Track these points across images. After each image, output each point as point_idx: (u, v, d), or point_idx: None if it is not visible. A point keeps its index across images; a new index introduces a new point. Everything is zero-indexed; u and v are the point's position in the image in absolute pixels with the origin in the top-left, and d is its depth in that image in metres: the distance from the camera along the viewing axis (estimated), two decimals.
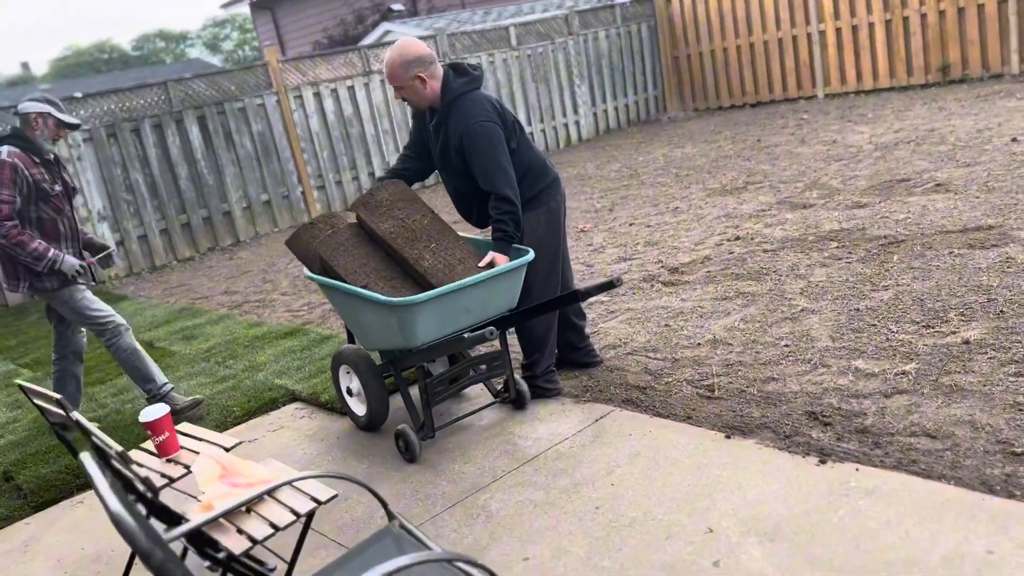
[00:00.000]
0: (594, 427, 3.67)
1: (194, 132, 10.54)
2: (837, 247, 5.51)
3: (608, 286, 3.42)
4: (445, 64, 3.91)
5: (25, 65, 61.89)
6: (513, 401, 4.01)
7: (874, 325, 4.14)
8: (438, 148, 3.94)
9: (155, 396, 4.69)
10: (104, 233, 9.94)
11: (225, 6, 32.43)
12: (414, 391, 4.34)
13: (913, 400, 3.32)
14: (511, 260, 3.71)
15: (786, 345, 4.12)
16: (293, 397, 4.83)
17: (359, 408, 4.14)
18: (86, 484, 4.12)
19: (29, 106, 4.30)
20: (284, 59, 11.53)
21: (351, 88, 11.76)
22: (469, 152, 3.79)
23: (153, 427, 3.02)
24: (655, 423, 3.60)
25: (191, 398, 4.73)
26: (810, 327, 4.28)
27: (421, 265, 3.67)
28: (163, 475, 2.92)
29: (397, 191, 3.98)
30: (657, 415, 3.67)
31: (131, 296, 8.74)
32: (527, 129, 13.62)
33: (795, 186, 7.57)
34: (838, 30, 12.87)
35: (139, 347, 4.70)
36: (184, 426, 3.32)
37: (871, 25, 12.53)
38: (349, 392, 4.16)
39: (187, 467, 2.92)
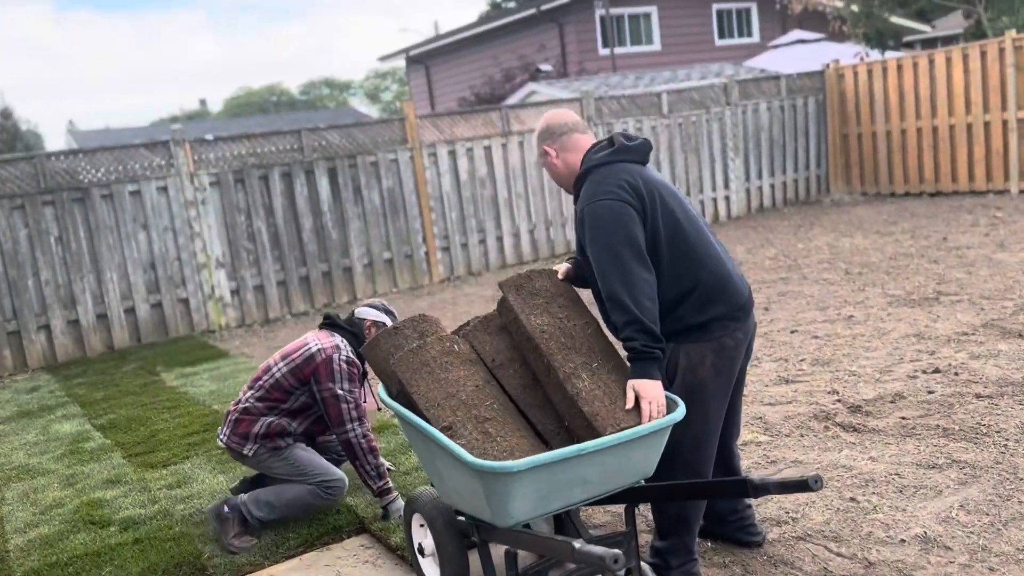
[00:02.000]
0: None
1: (323, 183, 10.10)
2: None
3: (801, 487, 2.32)
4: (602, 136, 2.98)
5: (203, 102, 66.63)
6: None
7: None
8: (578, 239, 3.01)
9: None
10: (220, 280, 9.56)
11: (383, 59, 33.27)
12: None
13: None
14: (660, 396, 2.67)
15: None
16: (361, 528, 3.92)
17: (432, 573, 3.18)
18: None
19: (367, 312, 4.06)
20: (422, 115, 11.03)
21: (487, 148, 11.10)
22: (585, 238, 2.84)
23: None
24: None
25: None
26: None
27: (573, 385, 2.70)
28: None
29: (560, 284, 3.07)
30: None
31: (233, 353, 8.20)
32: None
33: (1003, 305, 6.16)
34: None
35: None
36: None
37: None
38: (421, 551, 3.20)
39: None
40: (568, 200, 11.65)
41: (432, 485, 3.36)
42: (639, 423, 2.60)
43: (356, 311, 4.12)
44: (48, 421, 6.43)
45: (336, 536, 3.86)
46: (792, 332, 6.24)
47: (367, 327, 4.02)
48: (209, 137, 9.66)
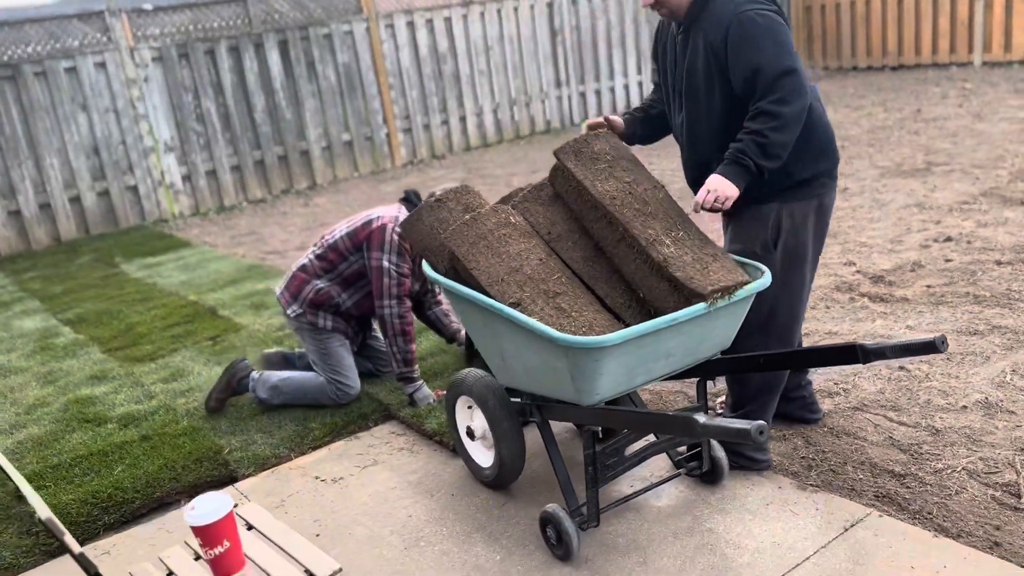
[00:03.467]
0: (846, 543, 2.47)
1: (274, 58, 9.41)
2: None
3: (926, 349, 2.17)
4: None
5: None
6: (704, 474, 2.83)
7: None
8: (683, 69, 2.73)
9: None
10: (171, 166, 8.95)
11: None
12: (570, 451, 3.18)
13: None
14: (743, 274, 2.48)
15: None
16: (388, 414, 3.72)
17: (483, 457, 3.01)
18: (114, 523, 3.11)
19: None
20: None
21: (448, 20, 10.46)
22: (736, 45, 2.55)
23: (205, 534, 1.93)
24: (945, 549, 2.38)
25: None
26: None
27: (659, 252, 2.47)
28: None
29: (618, 146, 2.79)
30: (942, 532, 2.45)
31: (195, 243, 7.75)
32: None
33: (996, 174, 6.12)
34: None
35: None
36: (253, 511, 2.23)
37: None
38: (470, 434, 3.02)
39: None
40: (532, 78, 11.18)
41: (469, 363, 3.16)
42: (735, 285, 2.40)
43: (437, 190, 3.87)
44: (7, 317, 5.98)
45: (363, 424, 3.66)
46: None
47: None
48: (148, 7, 8.83)
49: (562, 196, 2.78)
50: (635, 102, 12.17)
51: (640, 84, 12.17)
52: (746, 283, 2.43)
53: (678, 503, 2.77)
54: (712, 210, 2.55)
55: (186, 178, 9.12)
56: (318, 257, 3.75)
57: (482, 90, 10.87)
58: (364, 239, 3.66)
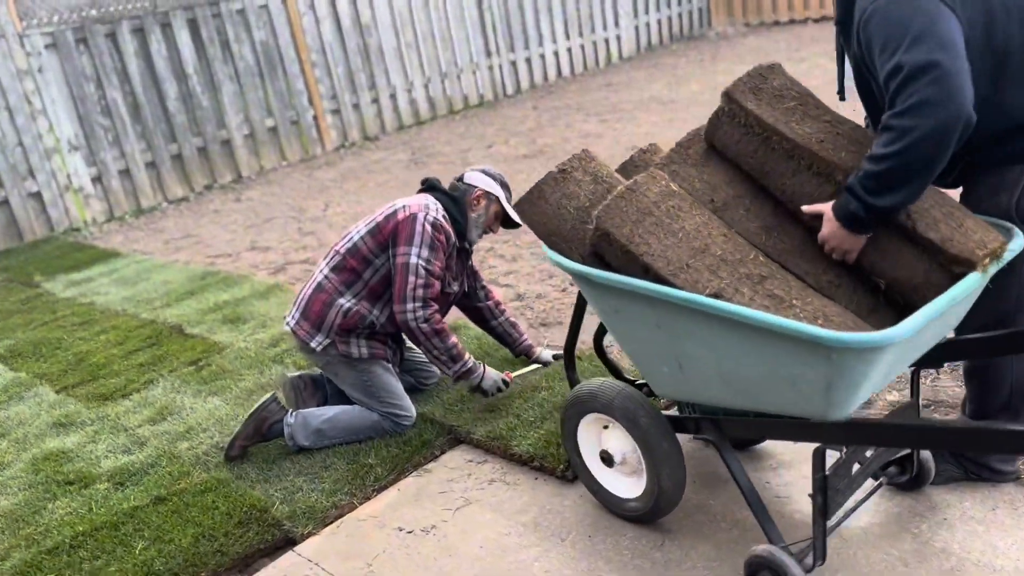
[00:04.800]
0: None
1: (183, 39, 8.42)
2: None
3: None
4: None
5: None
6: (907, 482, 2.36)
7: None
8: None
9: None
10: (77, 167, 7.89)
11: None
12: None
13: None
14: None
15: None
16: (455, 438, 3.12)
17: (625, 486, 2.46)
18: None
19: (477, 179, 3.27)
20: None
21: None
22: (868, 37, 1.98)
23: None
24: None
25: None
26: None
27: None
28: None
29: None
30: None
31: (124, 252, 6.79)
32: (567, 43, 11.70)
33: None
34: None
35: None
36: None
37: None
38: (606, 459, 2.46)
39: None
40: (461, 47, 10.50)
41: (604, 379, 2.61)
42: (1002, 244, 1.92)
43: (465, 175, 3.31)
44: None
45: (429, 453, 3.03)
46: None
47: (475, 196, 3.23)
48: None
49: (724, 151, 2.24)
50: (566, 71, 11.68)
51: (569, 51, 11.68)
52: (1006, 243, 1.95)
53: (883, 519, 2.30)
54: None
55: (96, 179, 8.06)
56: (335, 269, 3.11)
57: (411, 64, 10.13)
58: (390, 233, 3.04)
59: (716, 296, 1.90)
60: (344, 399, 3.26)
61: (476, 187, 3.24)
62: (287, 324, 3.16)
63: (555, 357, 3.44)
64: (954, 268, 1.88)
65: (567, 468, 2.73)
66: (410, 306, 3.00)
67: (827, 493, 1.98)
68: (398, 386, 3.16)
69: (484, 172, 3.28)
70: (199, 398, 3.73)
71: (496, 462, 2.93)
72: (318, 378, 3.35)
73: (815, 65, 9.11)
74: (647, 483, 2.35)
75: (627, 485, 2.45)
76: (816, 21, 12.40)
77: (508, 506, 2.67)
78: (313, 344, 3.07)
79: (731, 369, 1.94)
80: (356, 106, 9.75)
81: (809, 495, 1.99)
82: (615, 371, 2.88)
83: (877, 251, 1.99)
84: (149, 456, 3.28)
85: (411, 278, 3.00)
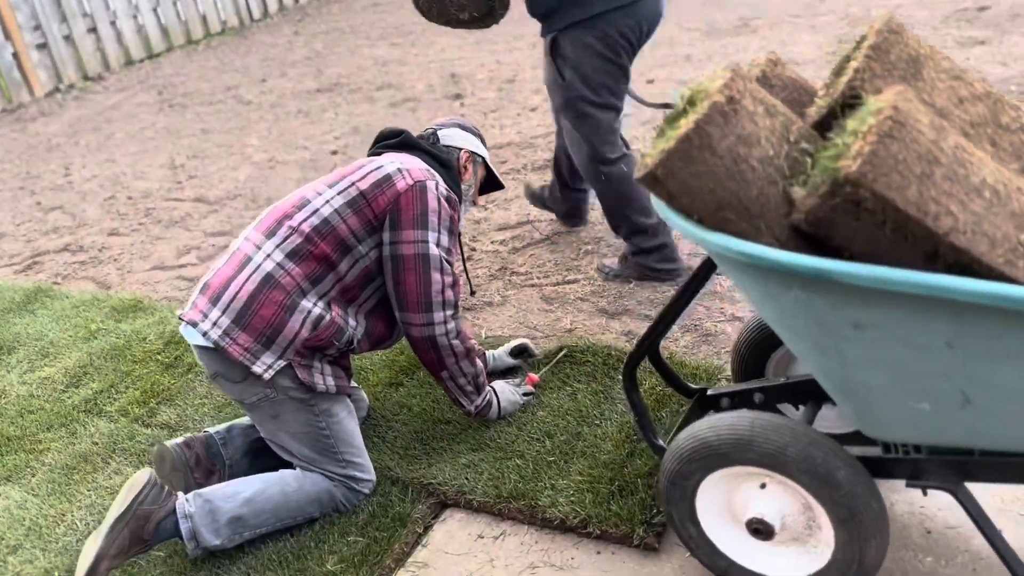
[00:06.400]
0: None
1: None
2: None
3: None
4: None
5: None
6: None
7: None
8: None
9: None
10: None
11: None
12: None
13: None
14: None
15: None
16: (440, 500, 2.13)
17: (791, 563, 1.68)
18: None
19: (455, 136, 2.29)
20: None
21: None
22: None
23: None
24: None
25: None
26: None
27: None
28: None
29: None
30: None
31: None
32: None
33: None
34: None
35: None
36: None
37: None
38: (762, 531, 1.65)
39: None
40: None
41: (756, 415, 1.81)
42: None
43: (438, 132, 2.29)
44: None
45: (411, 533, 2.01)
46: (648, 82, 5.15)
47: (463, 159, 2.27)
48: None
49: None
50: None
51: None
52: None
53: None
54: None
55: None
56: (295, 256, 1.99)
57: None
58: (386, 210, 2.01)
59: None
60: (257, 466, 2.16)
61: (460, 147, 2.27)
62: (205, 335, 1.95)
63: (516, 354, 2.55)
64: None
65: (648, 529, 1.90)
66: (439, 316, 2.04)
67: None
68: (360, 437, 2.13)
69: (460, 126, 2.32)
70: (50, 499, 2.36)
71: (521, 533, 2.01)
72: (212, 443, 2.18)
73: None
74: (834, 558, 1.59)
75: (791, 561, 1.67)
76: None
77: None
78: (257, 368, 1.93)
79: None
80: (68, 38, 7.74)
81: None
82: (673, 379, 2.07)
83: None
84: None
85: (435, 276, 2.02)
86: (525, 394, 2.36)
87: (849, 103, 1.41)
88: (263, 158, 4.97)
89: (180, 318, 2.01)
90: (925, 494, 1.80)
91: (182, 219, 4.30)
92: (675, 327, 2.61)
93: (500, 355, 2.52)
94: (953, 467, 1.51)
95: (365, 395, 2.44)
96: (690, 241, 1.57)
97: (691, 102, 1.41)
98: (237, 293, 1.96)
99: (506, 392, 2.29)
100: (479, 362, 2.16)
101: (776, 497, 1.62)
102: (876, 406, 1.42)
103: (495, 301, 3.03)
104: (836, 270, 1.23)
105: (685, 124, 1.33)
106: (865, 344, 1.33)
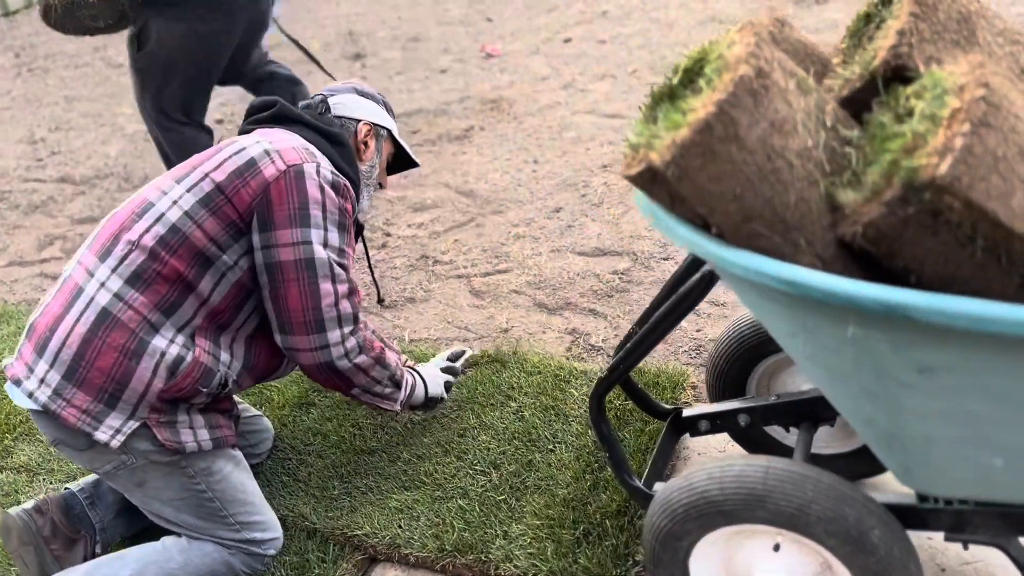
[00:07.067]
0: None
1: None
2: None
3: None
4: None
5: None
6: None
7: None
8: None
9: None
10: None
11: None
12: None
13: None
14: None
15: None
16: (366, 554, 1.77)
17: None
18: None
19: (355, 105, 1.85)
20: None
21: None
22: None
23: None
24: None
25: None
26: None
27: None
28: None
29: None
30: None
31: None
32: None
33: None
34: None
35: None
36: None
37: None
38: None
39: None
40: None
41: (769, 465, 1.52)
42: None
43: (329, 100, 1.83)
44: None
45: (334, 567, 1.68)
46: (566, 41, 4.79)
47: (361, 133, 1.83)
48: None
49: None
50: None
51: None
52: None
53: None
54: None
55: None
56: (136, 280, 1.55)
57: None
58: (253, 204, 1.58)
59: None
60: (137, 525, 1.75)
61: (358, 118, 1.84)
62: (32, 397, 1.51)
63: (454, 360, 2.19)
64: None
65: None
66: (334, 335, 1.63)
67: None
68: (255, 488, 1.72)
69: (358, 92, 1.88)
70: None
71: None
72: (75, 503, 1.75)
73: None
74: None
75: None
76: None
77: None
78: (100, 435, 1.50)
79: None
80: None
81: None
82: (641, 397, 1.76)
83: None
84: None
85: (324, 285, 1.60)
86: (444, 369, 2.05)
87: (892, 77, 1.10)
88: (138, 129, 4.39)
89: (3, 373, 1.56)
90: (966, 548, 1.55)
91: (44, 203, 3.73)
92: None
93: (434, 371, 2.11)
94: (1006, 519, 1.25)
95: (268, 423, 2.04)
96: (699, 256, 1.23)
97: (693, 73, 1.07)
98: (66, 339, 1.51)
99: (430, 373, 1.98)
100: (392, 356, 1.78)
101: (788, 556, 1.34)
102: (934, 461, 1.13)
103: (417, 297, 2.65)
104: (919, 306, 0.92)
105: (701, 106, 0.98)
106: (931, 392, 1.03)
